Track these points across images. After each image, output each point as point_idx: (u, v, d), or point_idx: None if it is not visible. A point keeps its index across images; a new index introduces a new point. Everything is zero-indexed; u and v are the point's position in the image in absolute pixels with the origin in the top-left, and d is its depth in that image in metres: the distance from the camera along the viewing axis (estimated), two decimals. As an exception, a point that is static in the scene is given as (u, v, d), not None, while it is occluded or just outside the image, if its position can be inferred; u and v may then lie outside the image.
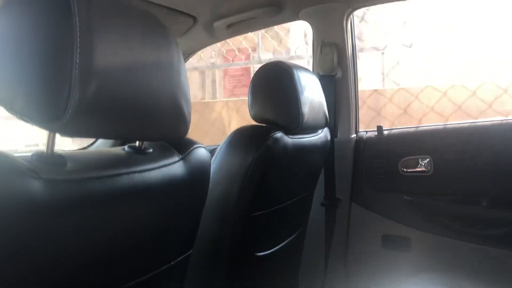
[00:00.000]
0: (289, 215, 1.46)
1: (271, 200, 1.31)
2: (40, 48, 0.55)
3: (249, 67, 5.25)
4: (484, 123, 1.74)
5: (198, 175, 0.85)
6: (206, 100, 4.74)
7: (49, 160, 0.59)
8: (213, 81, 5.93)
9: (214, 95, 5.76)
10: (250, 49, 3.93)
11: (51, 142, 0.60)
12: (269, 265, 1.41)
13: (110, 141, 1.91)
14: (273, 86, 1.30)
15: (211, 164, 1.03)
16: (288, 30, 3.98)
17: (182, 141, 0.83)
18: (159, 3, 1.59)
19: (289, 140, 1.27)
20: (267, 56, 4.21)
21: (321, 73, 1.79)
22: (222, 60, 4.32)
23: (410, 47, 2.88)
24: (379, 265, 1.75)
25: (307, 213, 1.64)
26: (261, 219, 1.27)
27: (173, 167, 0.78)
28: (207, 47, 2.28)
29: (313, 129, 1.43)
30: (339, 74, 1.79)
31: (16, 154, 0.57)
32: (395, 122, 3.17)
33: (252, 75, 1.36)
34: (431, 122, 3.00)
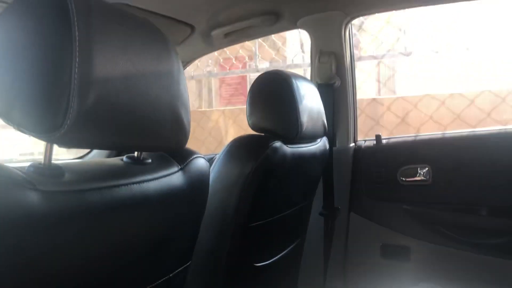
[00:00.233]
0: (287, 225, 1.45)
1: (270, 210, 1.29)
2: (38, 58, 0.54)
3: (246, 76, 5.26)
4: (482, 132, 1.74)
5: (197, 186, 0.84)
6: (202, 109, 4.74)
7: (47, 172, 0.58)
8: (210, 90, 5.94)
9: (210, 104, 5.76)
10: (247, 58, 3.93)
11: (48, 153, 0.59)
12: (267, 275, 1.39)
13: (106, 151, 1.90)
14: (271, 95, 1.29)
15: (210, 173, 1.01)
16: (285, 39, 3.99)
17: (181, 151, 0.82)
18: (157, 12, 1.59)
19: (288, 149, 1.26)
20: (264, 65, 4.22)
21: (319, 81, 1.79)
22: (219, 69, 4.32)
23: (408, 56, 2.89)
24: (378, 275, 1.73)
25: (305, 223, 1.63)
26: (259, 229, 1.26)
27: (172, 178, 0.76)
28: (204, 56, 2.28)
29: (311, 138, 1.42)
30: (337, 83, 1.79)
31: (12, 165, 0.56)
32: (394, 131, 3.17)
33: (248, 84, 1.35)
34: (429, 131, 3.00)
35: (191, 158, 0.83)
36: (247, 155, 1.19)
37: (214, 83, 5.98)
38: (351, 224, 1.81)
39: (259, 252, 1.33)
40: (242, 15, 1.75)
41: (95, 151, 2.03)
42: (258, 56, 3.94)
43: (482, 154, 1.60)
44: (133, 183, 0.67)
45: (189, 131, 0.75)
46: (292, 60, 3.57)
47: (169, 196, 0.75)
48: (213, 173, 1.20)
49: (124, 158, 0.74)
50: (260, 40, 3.68)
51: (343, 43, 1.79)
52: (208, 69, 4.14)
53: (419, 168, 1.67)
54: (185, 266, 0.89)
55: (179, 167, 0.80)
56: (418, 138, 1.80)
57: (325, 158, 1.59)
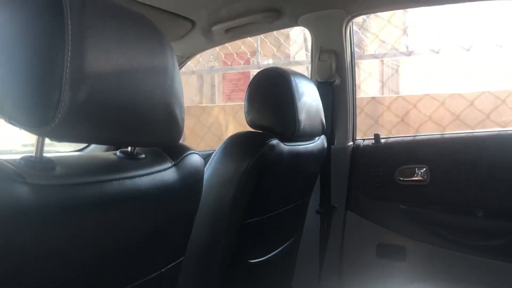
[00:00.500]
0: (283, 222, 1.45)
1: (266, 207, 1.29)
2: (31, 51, 0.54)
3: (248, 72, 5.26)
4: (481, 133, 1.73)
5: (190, 182, 0.83)
6: (203, 104, 4.74)
7: (38, 165, 0.57)
8: (212, 85, 5.93)
9: (212, 100, 5.76)
10: (249, 54, 3.93)
11: (39, 146, 0.58)
12: (262, 272, 1.40)
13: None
14: (269, 92, 1.29)
15: (206, 169, 1.01)
16: (288, 36, 3.99)
17: (175, 147, 0.82)
18: (158, 7, 1.59)
19: (285, 147, 1.26)
20: (266, 61, 4.21)
21: (319, 79, 1.78)
22: (221, 65, 4.32)
23: (409, 55, 2.88)
24: (374, 274, 1.73)
25: (302, 221, 1.63)
26: (254, 225, 1.26)
27: (165, 174, 0.76)
28: (206, 51, 2.28)
29: (309, 136, 1.42)
30: (337, 81, 1.78)
31: (4, 157, 0.56)
32: (393, 131, 3.17)
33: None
34: (428, 131, 3.00)
35: (185, 154, 0.83)
36: (244, 152, 1.19)
37: (217, 78, 5.97)
38: (347, 223, 1.81)
39: (254, 249, 1.33)
40: (243, 11, 1.75)
41: (93, 144, 2.03)
42: (260, 52, 3.93)
43: (481, 155, 1.60)
44: (126, 178, 0.67)
45: (183, 127, 0.75)
46: (294, 57, 3.57)
47: (162, 192, 0.75)
48: (210, 169, 1.20)
49: (118, 152, 0.74)
50: (262, 36, 3.67)
51: (344, 41, 1.78)
52: (211, 64, 4.13)
53: (417, 168, 1.67)
54: (178, 261, 0.89)
55: (173, 163, 0.80)
56: (417, 138, 1.80)
57: (323, 156, 1.59)
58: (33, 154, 0.58)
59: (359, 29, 3.01)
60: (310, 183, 1.60)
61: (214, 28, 1.85)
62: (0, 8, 0.57)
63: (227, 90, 6.28)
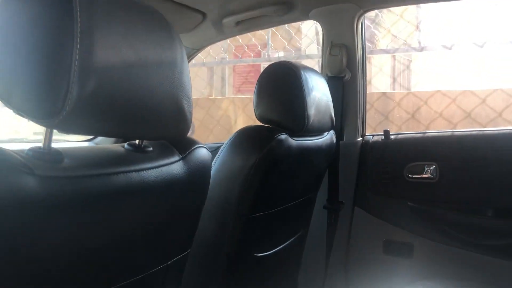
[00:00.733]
0: (290, 217, 1.44)
1: (273, 202, 1.29)
2: (39, 43, 0.54)
3: (258, 65, 5.24)
4: (493, 131, 1.72)
5: (198, 176, 0.83)
6: (212, 97, 4.73)
7: (46, 156, 0.58)
8: (222, 78, 5.92)
9: (222, 92, 5.75)
10: (259, 47, 3.90)
11: (47, 138, 0.59)
12: (268, 266, 1.40)
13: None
14: (279, 86, 1.28)
15: (214, 163, 1.01)
16: (299, 29, 3.96)
17: (183, 141, 0.82)
18: None
19: (294, 142, 1.26)
20: (276, 54, 4.19)
21: (329, 74, 1.77)
22: (232, 57, 4.30)
23: (421, 51, 2.84)
24: (380, 271, 1.73)
25: (309, 216, 1.63)
26: (261, 220, 1.26)
27: (173, 167, 0.76)
28: (217, 43, 2.27)
29: (318, 131, 1.41)
30: (347, 76, 1.77)
31: (13, 148, 0.56)
32: (402, 127, 3.14)
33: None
34: (439, 128, 2.97)
35: (192, 148, 0.83)
36: (252, 147, 1.19)
37: (227, 71, 5.96)
38: (354, 219, 1.80)
39: (260, 243, 1.33)
40: (254, 3, 1.74)
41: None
42: (271, 45, 3.91)
43: (491, 154, 1.58)
44: (133, 171, 0.67)
45: (191, 120, 0.75)
46: (305, 50, 3.54)
47: (168, 185, 0.75)
48: (218, 162, 1.20)
49: (126, 145, 0.74)
50: (273, 29, 3.65)
51: (355, 36, 1.77)
52: (221, 56, 4.12)
53: (426, 166, 1.66)
54: (184, 254, 0.89)
55: (180, 156, 0.80)
56: (427, 135, 1.79)
57: (331, 152, 1.58)
58: (41, 145, 0.58)
59: (371, 23, 2.98)
60: (318, 178, 1.59)
61: (225, 21, 1.85)
62: (9, 1, 0.57)
63: (237, 82, 6.26)
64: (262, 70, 1.35)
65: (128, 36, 0.61)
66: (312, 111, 1.27)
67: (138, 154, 0.73)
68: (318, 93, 1.33)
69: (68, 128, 0.57)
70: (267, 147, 1.17)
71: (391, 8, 2.11)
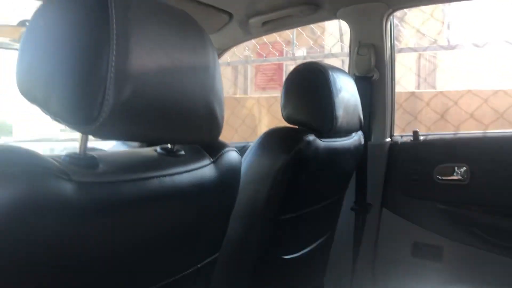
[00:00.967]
0: (318, 219, 1.43)
1: (300, 204, 1.28)
2: (76, 50, 0.54)
3: (282, 64, 5.22)
4: None
5: (228, 179, 0.84)
6: (237, 96, 4.73)
7: (82, 162, 0.59)
8: (245, 77, 5.93)
9: (245, 91, 5.76)
10: (284, 45, 3.89)
11: (83, 143, 0.59)
12: (295, 268, 1.39)
13: None
14: (307, 87, 1.27)
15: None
16: (324, 29, 3.93)
17: (213, 144, 0.82)
18: (195, 0, 1.59)
19: (321, 143, 1.24)
20: (300, 52, 4.16)
21: (357, 74, 1.75)
22: (255, 56, 4.30)
23: (451, 49, 2.77)
24: (408, 274, 1.71)
25: (336, 217, 1.62)
26: (289, 222, 1.25)
27: (204, 170, 0.77)
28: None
29: (346, 132, 1.39)
30: (375, 76, 1.74)
31: (42, 146, 0.56)
32: (432, 128, 3.08)
33: (284, 72, 1.34)
34: (469, 129, 2.90)
35: (223, 151, 0.83)
36: (280, 148, 1.18)
37: (250, 70, 5.97)
38: (382, 221, 1.78)
39: (287, 245, 1.32)
40: (281, 4, 1.73)
41: None
42: (296, 44, 3.89)
43: None
44: (166, 175, 0.68)
45: (222, 124, 0.75)
46: (331, 49, 3.51)
47: (200, 189, 0.75)
48: (245, 164, 1.19)
49: (158, 149, 0.74)
50: (298, 28, 3.63)
51: (384, 35, 1.74)
52: (246, 53, 4.11)
53: (456, 167, 1.63)
54: (213, 256, 0.89)
55: (211, 159, 0.80)
56: (458, 136, 1.75)
57: (359, 152, 1.56)
58: (77, 151, 0.59)
59: (399, 22, 2.93)
60: (345, 179, 1.58)
61: (251, 21, 1.84)
62: (47, 8, 0.58)
63: (260, 81, 6.26)
64: (285, 68, 1.34)
65: (162, 41, 0.61)
66: (340, 112, 1.25)
67: (170, 158, 0.73)
68: (347, 93, 1.32)
69: (104, 134, 0.57)
70: (295, 149, 1.17)
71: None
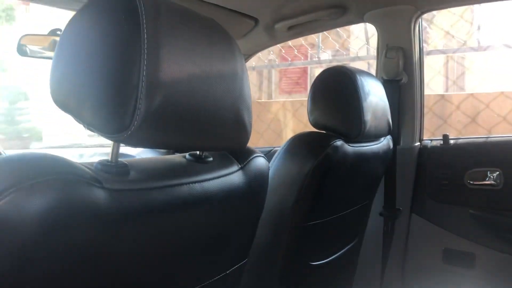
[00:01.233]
0: (346, 225, 1.42)
1: (329, 209, 1.27)
2: (108, 59, 0.55)
3: (307, 68, 5.20)
4: None
5: (256, 185, 0.83)
6: (262, 100, 4.74)
7: (113, 169, 0.59)
8: (270, 81, 5.93)
9: (270, 95, 5.75)
10: (309, 48, 3.87)
11: (115, 151, 0.60)
12: (323, 274, 1.38)
13: None
14: (334, 91, 1.26)
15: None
16: (350, 32, 3.90)
17: (241, 150, 0.82)
18: (221, 5, 1.59)
19: (350, 148, 1.23)
20: (326, 56, 4.14)
21: (385, 77, 1.73)
22: (280, 60, 4.29)
23: (483, 51, 2.70)
24: (439, 281, 1.67)
25: (364, 223, 1.60)
26: (317, 228, 1.24)
27: (232, 177, 0.77)
28: (266, 48, 2.27)
29: (375, 137, 1.38)
30: (404, 79, 1.72)
31: (78, 160, 0.57)
32: (463, 132, 3.01)
33: (309, 77, 1.33)
34: (502, 133, 2.83)
35: (251, 157, 0.83)
36: (307, 153, 1.17)
37: (275, 74, 5.96)
38: (412, 226, 1.75)
39: (315, 251, 1.31)
40: (307, 8, 1.72)
41: None
42: (321, 48, 3.88)
43: None
44: (195, 182, 0.68)
45: (250, 131, 0.75)
46: (357, 52, 3.48)
47: (229, 195, 0.75)
48: (272, 169, 1.19)
49: (187, 155, 0.75)
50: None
51: (412, 38, 1.71)
52: (270, 57, 4.11)
53: (489, 172, 1.59)
54: (242, 263, 0.89)
55: (239, 166, 0.80)
56: (490, 140, 1.71)
57: (388, 157, 1.54)
58: (109, 158, 0.60)
59: (428, 24, 2.88)
60: (374, 184, 1.56)
61: (277, 26, 1.84)
62: (82, 15, 0.59)
63: (285, 85, 6.26)
64: (309, 72, 1.33)
65: (191, 49, 0.61)
66: (368, 117, 1.24)
67: (199, 165, 0.74)
68: (375, 97, 1.30)
69: (135, 142, 0.58)
70: (323, 154, 1.16)
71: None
